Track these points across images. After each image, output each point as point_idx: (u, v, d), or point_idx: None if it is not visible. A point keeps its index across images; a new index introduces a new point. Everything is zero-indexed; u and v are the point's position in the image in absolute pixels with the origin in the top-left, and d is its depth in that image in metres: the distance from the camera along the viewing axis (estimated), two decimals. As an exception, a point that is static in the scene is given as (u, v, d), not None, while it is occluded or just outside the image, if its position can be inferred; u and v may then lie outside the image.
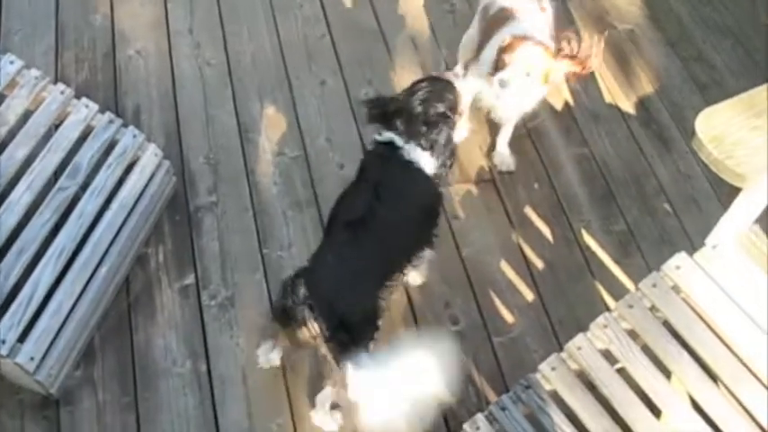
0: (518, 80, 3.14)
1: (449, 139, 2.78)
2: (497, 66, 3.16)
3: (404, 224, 2.72)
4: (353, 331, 2.50)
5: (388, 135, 2.75)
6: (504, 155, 3.64)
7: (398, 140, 2.73)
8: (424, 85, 2.81)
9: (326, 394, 2.78)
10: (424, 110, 2.74)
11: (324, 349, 2.52)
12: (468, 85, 3.30)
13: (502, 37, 3.19)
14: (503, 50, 3.16)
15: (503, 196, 3.50)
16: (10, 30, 3.85)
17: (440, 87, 2.82)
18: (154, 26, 3.96)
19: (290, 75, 3.83)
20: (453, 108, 2.81)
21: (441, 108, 2.76)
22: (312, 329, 2.49)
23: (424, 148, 2.73)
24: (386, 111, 2.78)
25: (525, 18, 3.26)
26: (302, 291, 2.49)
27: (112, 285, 3.03)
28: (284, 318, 2.57)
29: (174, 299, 3.12)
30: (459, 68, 3.68)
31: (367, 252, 2.61)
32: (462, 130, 2.97)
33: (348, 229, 2.62)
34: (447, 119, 2.78)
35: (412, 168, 2.73)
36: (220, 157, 3.52)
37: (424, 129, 2.73)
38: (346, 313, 2.49)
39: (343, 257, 2.59)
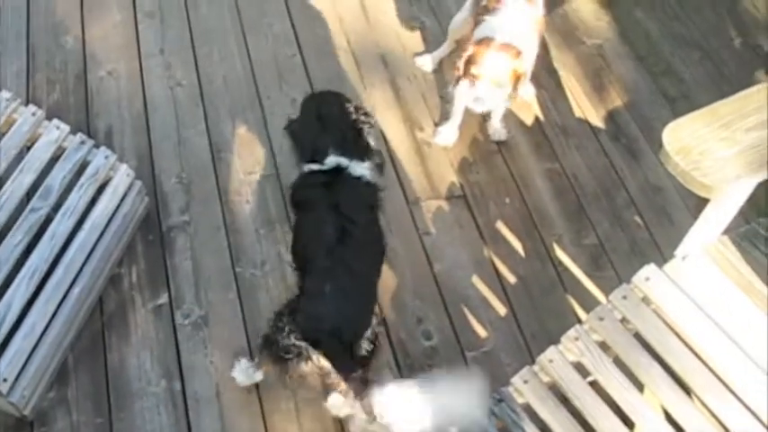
0: (490, 93, 3.19)
1: (372, 139, 2.87)
2: (465, 74, 3.21)
3: (372, 239, 2.76)
4: (364, 360, 2.56)
5: (332, 160, 2.77)
6: (496, 127, 3.70)
7: (344, 161, 2.76)
8: (329, 99, 2.93)
9: (337, 404, 2.72)
10: (349, 121, 2.80)
11: (340, 384, 2.51)
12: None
13: (470, 44, 3.27)
14: (468, 62, 3.20)
15: (474, 212, 3.51)
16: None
17: (340, 97, 2.94)
18: (125, 48, 3.97)
19: (261, 94, 3.84)
20: (358, 108, 2.90)
21: (357, 113, 2.84)
22: (318, 363, 2.49)
23: (362, 159, 2.78)
24: (315, 137, 2.81)
25: (506, 11, 3.31)
26: (307, 325, 2.49)
27: (86, 306, 3.02)
28: (281, 354, 2.56)
29: (147, 318, 3.12)
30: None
31: (356, 274, 2.62)
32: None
33: (331, 256, 2.62)
34: (368, 118, 2.87)
35: (361, 183, 2.77)
36: (193, 176, 3.52)
37: (357, 139, 2.79)
38: (354, 343, 2.53)
39: (338, 285, 2.58)
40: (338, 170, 2.77)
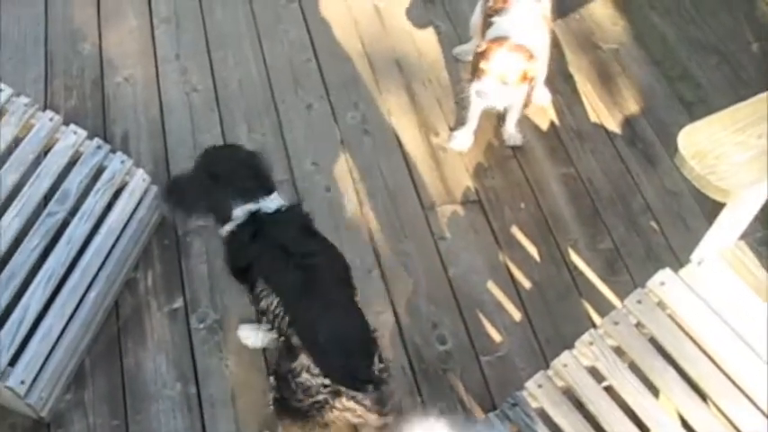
0: (494, 89, 3.19)
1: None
2: (474, 72, 3.22)
3: (333, 255, 2.72)
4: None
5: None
6: (511, 132, 3.71)
7: (252, 206, 2.66)
8: (227, 149, 3.02)
9: None
10: (255, 163, 2.76)
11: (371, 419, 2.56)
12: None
13: (484, 39, 3.30)
14: (479, 56, 3.21)
15: (489, 216, 3.51)
16: (0, 58, 3.88)
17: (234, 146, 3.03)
18: (141, 54, 3.99)
19: (276, 99, 3.85)
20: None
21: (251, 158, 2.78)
22: (346, 406, 2.51)
23: (269, 192, 2.70)
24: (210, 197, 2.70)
25: (515, 11, 3.33)
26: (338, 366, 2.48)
27: (102, 309, 3.04)
28: (305, 410, 2.57)
29: (163, 322, 3.13)
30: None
31: (341, 300, 2.61)
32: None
33: (310, 298, 2.53)
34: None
35: (284, 214, 2.68)
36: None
37: (251, 177, 2.70)
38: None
39: (335, 318, 2.54)
40: (255, 217, 2.65)
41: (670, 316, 2.46)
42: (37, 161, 3.12)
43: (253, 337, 3.04)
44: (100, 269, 3.01)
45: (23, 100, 3.19)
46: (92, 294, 2.96)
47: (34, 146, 3.12)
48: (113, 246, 3.07)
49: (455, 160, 3.67)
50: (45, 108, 3.40)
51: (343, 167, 3.62)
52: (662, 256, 3.40)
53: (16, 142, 3.12)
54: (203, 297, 3.20)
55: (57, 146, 3.17)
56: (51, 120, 3.20)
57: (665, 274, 2.52)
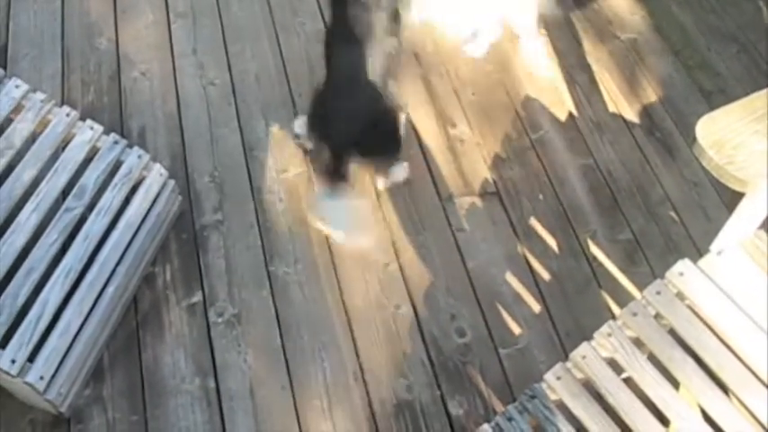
0: None
1: None
2: None
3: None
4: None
5: None
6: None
7: None
8: None
9: None
10: None
11: None
12: None
13: None
14: None
15: (508, 208, 3.50)
16: (18, 54, 3.89)
17: None
18: (158, 48, 3.99)
19: (293, 92, 3.84)
20: None
21: None
22: None
23: None
24: None
25: None
26: None
27: (120, 304, 3.04)
28: None
29: (181, 317, 3.13)
30: None
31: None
32: None
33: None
34: None
35: None
36: (225, 175, 3.53)
37: None
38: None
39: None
40: None
41: (689, 306, 2.44)
42: (54, 156, 3.12)
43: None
44: (118, 264, 3.00)
45: (40, 96, 3.19)
46: (110, 289, 2.96)
47: (51, 141, 3.12)
48: (131, 240, 3.06)
49: (473, 152, 3.66)
50: (62, 104, 3.40)
51: (360, 160, 3.62)
52: (681, 246, 3.38)
53: (33, 138, 3.12)
54: (221, 291, 3.20)
55: (74, 141, 3.17)
56: (68, 115, 3.19)
57: (684, 264, 2.50)
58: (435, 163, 3.62)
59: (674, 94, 3.94)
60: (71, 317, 2.84)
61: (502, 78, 3.95)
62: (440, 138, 3.71)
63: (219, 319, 3.12)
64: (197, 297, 3.18)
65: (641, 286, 2.66)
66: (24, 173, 3.03)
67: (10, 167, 3.03)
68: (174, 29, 4.08)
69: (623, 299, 3.13)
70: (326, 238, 3.33)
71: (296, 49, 4.03)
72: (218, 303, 3.16)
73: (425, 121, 3.77)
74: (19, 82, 3.19)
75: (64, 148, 3.16)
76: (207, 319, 3.13)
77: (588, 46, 4.10)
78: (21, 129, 3.10)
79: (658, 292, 2.47)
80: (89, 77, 3.85)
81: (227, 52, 3.99)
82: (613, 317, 2.51)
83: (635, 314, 2.46)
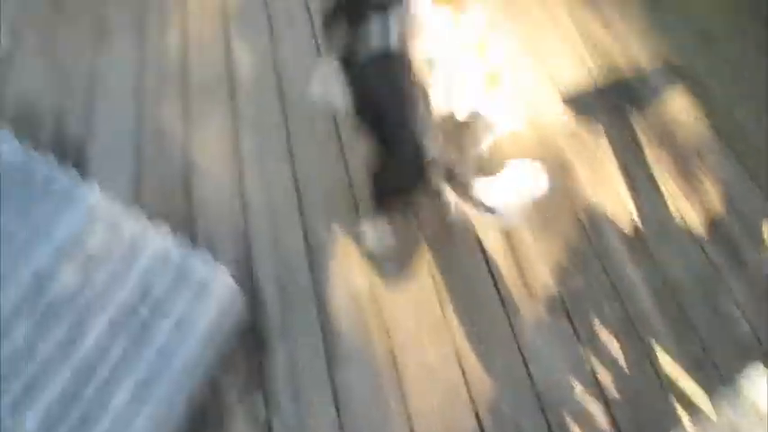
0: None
1: None
2: None
3: None
4: None
5: None
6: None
7: None
8: None
9: None
10: None
11: None
12: None
13: None
14: None
15: (572, 317, 3.48)
16: (94, 161, 3.97)
17: None
18: (225, 154, 4.06)
19: (357, 197, 3.88)
20: None
21: None
22: None
23: None
24: None
25: None
26: None
27: (184, 414, 3.05)
28: None
29: (245, 426, 3.13)
30: None
31: None
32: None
33: None
34: None
35: None
36: (289, 282, 3.56)
37: None
38: None
39: None
40: None
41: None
42: (124, 261, 3.18)
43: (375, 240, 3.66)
44: (182, 372, 3.03)
45: (112, 201, 3.27)
46: (178, 398, 2.99)
47: (121, 246, 3.19)
48: (195, 348, 3.09)
49: (536, 258, 3.65)
50: (134, 208, 3.47)
51: (422, 265, 3.64)
52: (752, 353, 3.33)
53: (104, 242, 3.19)
54: (284, 399, 3.20)
55: (142, 246, 3.23)
56: (138, 220, 3.27)
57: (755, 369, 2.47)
58: (498, 269, 3.62)
59: (739, 198, 3.92)
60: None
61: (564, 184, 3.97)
62: (502, 243, 3.71)
63: (283, 428, 3.12)
64: (261, 407, 3.18)
65: (710, 393, 2.63)
66: (96, 276, 3.09)
67: (83, 272, 3.10)
68: (241, 135, 4.14)
69: (691, 407, 3.09)
70: (391, 351, 3.33)
71: (361, 155, 4.07)
72: (282, 414, 3.16)
73: (487, 228, 3.77)
74: (93, 184, 3.27)
75: (134, 253, 3.21)
76: (270, 428, 3.13)
77: (648, 150, 4.10)
78: (93, 231, 3.17)
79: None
80: (159, 181, 3.91)
81: (292, 157, 4.03)
82: (681, 425, 2.48)
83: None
